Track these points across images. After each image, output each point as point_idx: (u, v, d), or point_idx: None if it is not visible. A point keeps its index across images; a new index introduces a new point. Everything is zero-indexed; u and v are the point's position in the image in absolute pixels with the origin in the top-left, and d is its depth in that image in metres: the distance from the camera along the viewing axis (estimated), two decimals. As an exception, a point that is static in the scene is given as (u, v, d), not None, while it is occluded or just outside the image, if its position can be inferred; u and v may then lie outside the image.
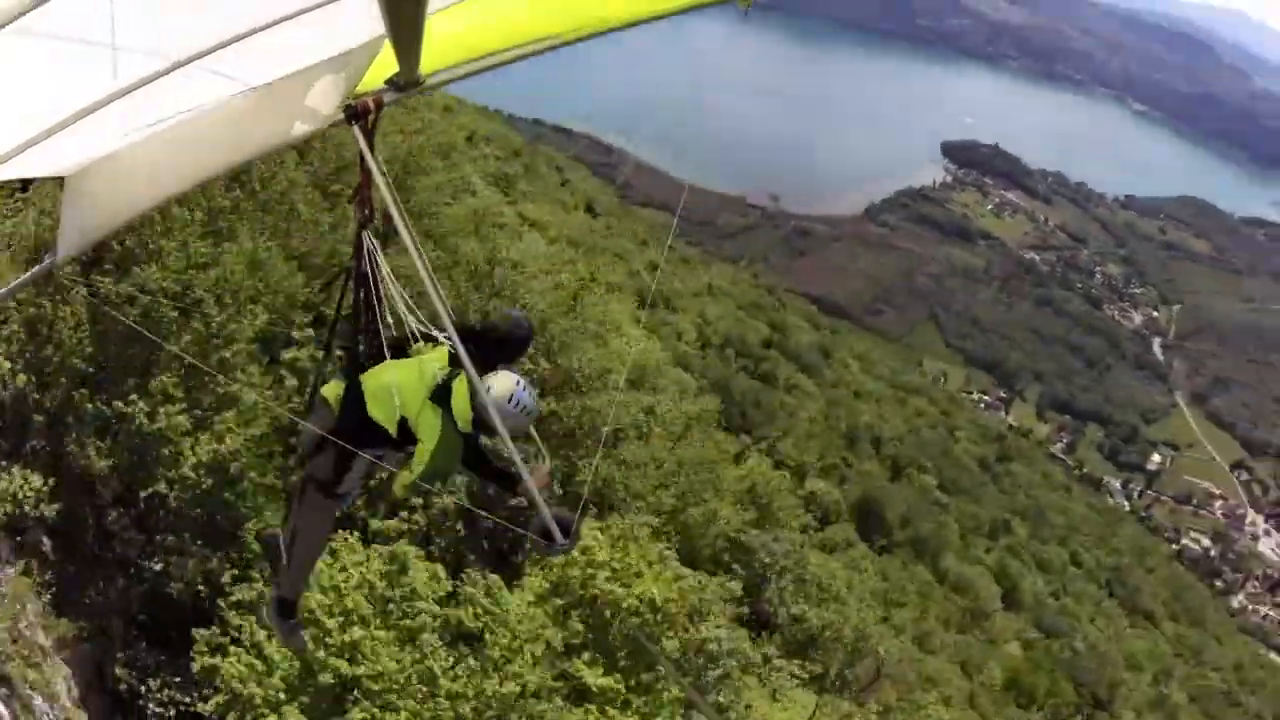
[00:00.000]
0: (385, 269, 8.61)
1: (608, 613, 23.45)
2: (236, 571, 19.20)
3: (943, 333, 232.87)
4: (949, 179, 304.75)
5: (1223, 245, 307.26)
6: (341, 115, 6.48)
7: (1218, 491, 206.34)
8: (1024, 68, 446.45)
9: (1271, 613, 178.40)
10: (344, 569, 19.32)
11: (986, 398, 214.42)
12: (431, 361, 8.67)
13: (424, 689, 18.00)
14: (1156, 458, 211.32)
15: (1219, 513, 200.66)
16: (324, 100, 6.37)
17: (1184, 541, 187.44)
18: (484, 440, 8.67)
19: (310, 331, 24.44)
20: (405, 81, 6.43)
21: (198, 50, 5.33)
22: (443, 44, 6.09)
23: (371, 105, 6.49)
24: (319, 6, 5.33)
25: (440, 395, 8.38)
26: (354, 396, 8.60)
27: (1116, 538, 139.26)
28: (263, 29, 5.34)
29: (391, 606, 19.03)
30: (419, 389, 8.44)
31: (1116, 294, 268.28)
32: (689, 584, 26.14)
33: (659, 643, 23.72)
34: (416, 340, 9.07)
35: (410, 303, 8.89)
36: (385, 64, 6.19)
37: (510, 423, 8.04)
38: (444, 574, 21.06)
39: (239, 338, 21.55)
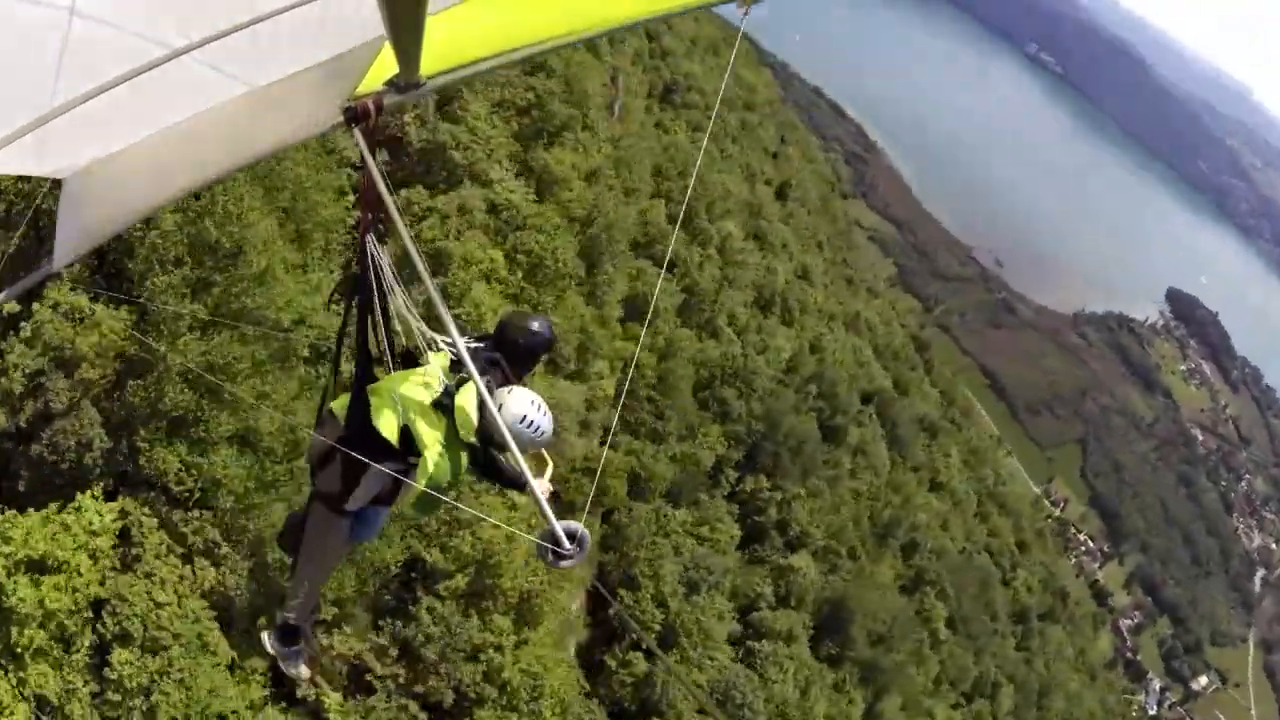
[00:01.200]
0: (391, 275, 7.93)
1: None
2: None
3: (1085, 462, 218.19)
4: (1160, 323, 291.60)
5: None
6: (341, 118, 5.81)
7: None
8: (1274, 252, 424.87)
9: None
10: None
11: (1091, 543, 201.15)
12: (437, 369, 8.24)
13: None
14: (1203, 680, 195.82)
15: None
16: (324, 102, 5.79)
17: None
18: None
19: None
20: (405, 83, 5.87)
21: (195, 41, 5.10)
22: (443, 45, 5.62)
23: (372, 108, 5.81)
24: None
25: (444, 404, 8.05)
26: (359, 407, 8.24)
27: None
28: (263, 19, 5.13)
29: None
30: (423, 397, 8.13)
31: (1250, 509, 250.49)
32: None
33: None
34: (430, 348, 8.41)
35: (415, 309, 8.19)
36: (385, 65, 5.70)
37: (521, 442, 7.67)
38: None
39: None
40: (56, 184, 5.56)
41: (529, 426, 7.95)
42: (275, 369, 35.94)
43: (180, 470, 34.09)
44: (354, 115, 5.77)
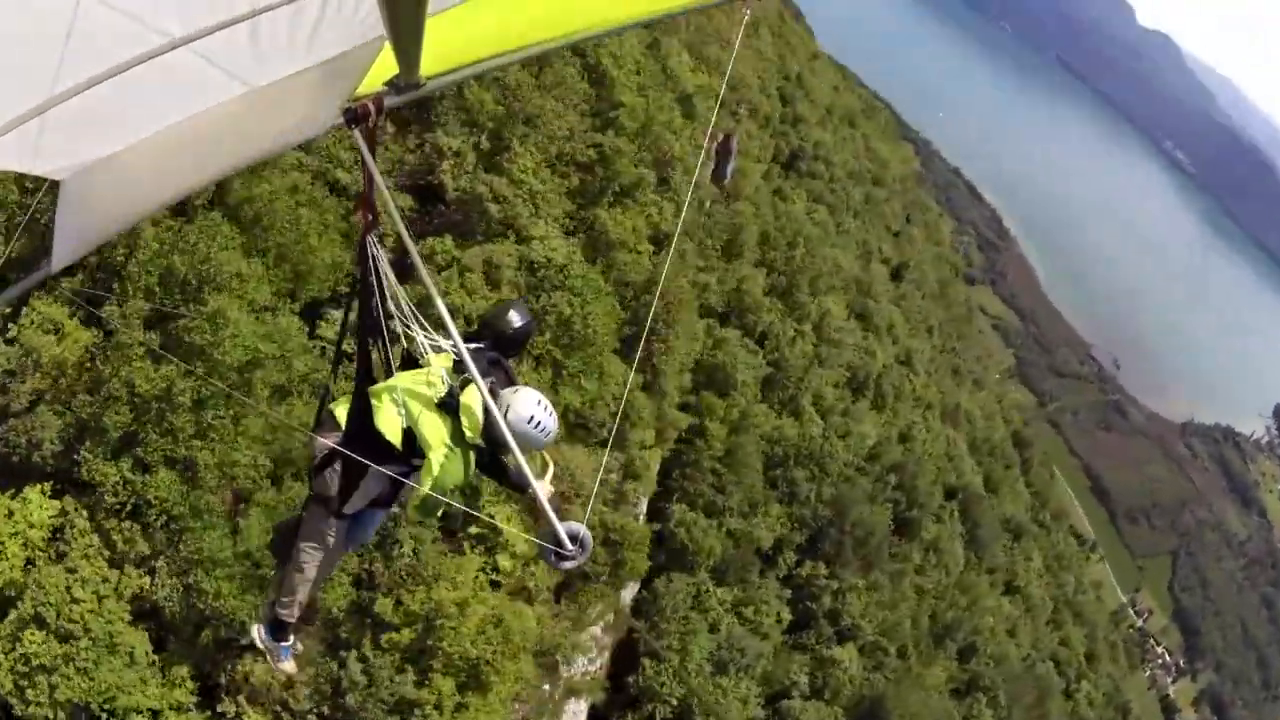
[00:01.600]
0: (391, 276, 7.74)
1: None
2: None
3: (1174, 574, 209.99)
4: (1265, 440, 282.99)
5: None
6: (341, 119, 5.92)
7: None
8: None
9: None
10: None
11: (1168, 657, 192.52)
12: (439, 370, 8.06)
13: None
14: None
15: None
16: (324, 103, 5.77)
17: None
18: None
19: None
20: (405, 83, 5.88)
21: (194, 31, 4.79)
22: (443, 45, 5.54)
23: (372, 109, 5.92)
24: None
25: (449, 405, 7.88)
26: (360, 409, 8.05)
27: None
28: (262, 11, 4.84)
29: None
30: (426, 399, 7.93)
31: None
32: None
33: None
34: (428, 350, 8.22)
35: (415, 311, 8.09)
36: (386, 65, 5.60)
37: (528, 442, 7.77)
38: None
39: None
40: (55, 185, 5.27)
41: (536, 426, 7.81)
42: (231, 405, 35.98)
43: (117, 484, 35.16)
44: (354, 116, 5.76)
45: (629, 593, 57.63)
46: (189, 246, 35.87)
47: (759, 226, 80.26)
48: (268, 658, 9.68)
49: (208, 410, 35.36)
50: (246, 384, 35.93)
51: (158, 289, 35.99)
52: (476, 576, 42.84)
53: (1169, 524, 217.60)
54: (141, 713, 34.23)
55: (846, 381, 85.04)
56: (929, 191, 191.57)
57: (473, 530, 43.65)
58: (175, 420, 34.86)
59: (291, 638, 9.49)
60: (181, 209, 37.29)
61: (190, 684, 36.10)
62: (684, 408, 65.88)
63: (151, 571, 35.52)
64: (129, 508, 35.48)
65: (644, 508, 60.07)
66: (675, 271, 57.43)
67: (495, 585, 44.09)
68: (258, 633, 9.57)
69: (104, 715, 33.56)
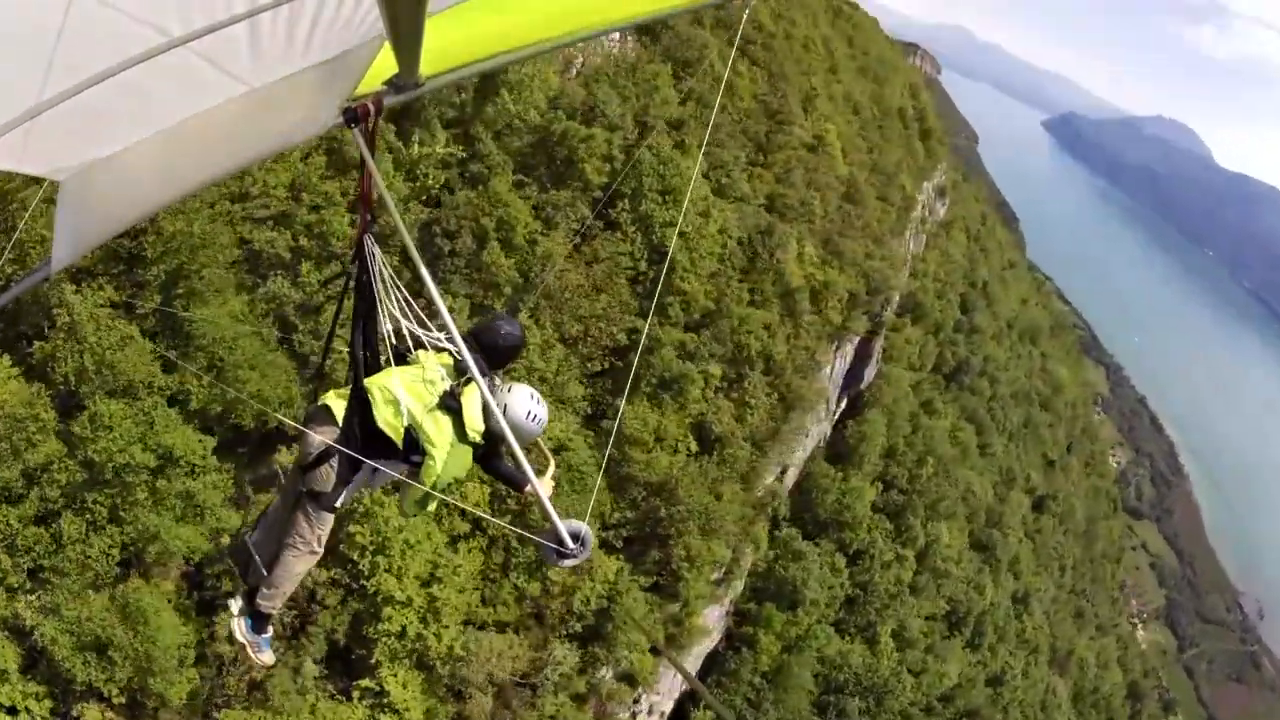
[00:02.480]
0: (387, 273, 7.59)
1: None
2: None
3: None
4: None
5: None
6: (341, 119, 5.67)
7: None
8: None
9: None
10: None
11: None
12: (436, 369, 7.80)
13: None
14: None
15: None
16: (324, 102, 5.50)
17: None
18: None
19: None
20: (404, 83, 5.69)
21: (195, 30, 4.47)
22: (443, 45, 5.36)
23: (371, 108, 5.71)
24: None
25: (449, 404, 7.59)
26: (358, 405, 7.70)
27: None
28: (261, 10, 4.55)
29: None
30: (426, 397, 7.63)
31: None
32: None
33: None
34: (420, 347, 8.03)
35: (414, 308, 7.92)
36: (386, 65, 5.38)
37: (525, 435, 7.71)
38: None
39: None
40: (54, 185, 4.95)
41: (532, 419, 7.73)
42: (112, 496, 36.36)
43: (4, 524, 35.49)
44: (353, 116, 5.53)
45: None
46: (99, 348, 36.47)
47: (887, 439, 72.80)
48: (248, 650, 8.62)
49: (91, 494, 35.71)
50: (124, 485, 35.92)
51: (73, 377, 36.85)
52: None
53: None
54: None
55: (944, 615, 76.26)
56: (1114, 418, 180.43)
57: (364, 683, 39.94)
58: (49, 493, 35.49)
59: (270, 629, 8.64)
60: (130, 308, 38.00)
61: (48, 702, 35.83)
62: (741, 615, 59.18)
63: (33, 592, 36.03)
64: (6, 544, 36.08)
65: (665, 708, 54.67)
66: (711, 475, 51.00)
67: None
68: (238, 626, 8.60)
69: None
